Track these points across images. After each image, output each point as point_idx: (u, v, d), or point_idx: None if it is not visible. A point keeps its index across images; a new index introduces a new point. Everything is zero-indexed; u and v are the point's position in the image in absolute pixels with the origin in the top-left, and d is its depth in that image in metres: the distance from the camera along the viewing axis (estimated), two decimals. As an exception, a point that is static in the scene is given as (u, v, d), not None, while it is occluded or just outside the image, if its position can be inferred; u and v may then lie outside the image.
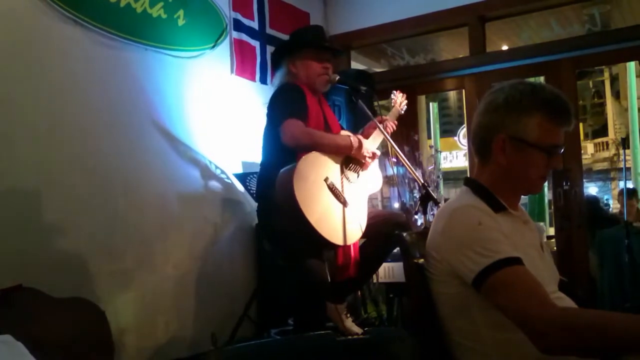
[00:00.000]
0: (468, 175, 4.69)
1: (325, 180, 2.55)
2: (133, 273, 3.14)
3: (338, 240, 2.50)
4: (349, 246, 2.61)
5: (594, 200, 5.81)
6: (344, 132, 2.76)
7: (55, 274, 2.70)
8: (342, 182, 2.63)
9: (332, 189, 2.55)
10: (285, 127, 2.53)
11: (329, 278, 2.62)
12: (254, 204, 2.95)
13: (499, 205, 1.47)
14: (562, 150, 1.47)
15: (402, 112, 3.18)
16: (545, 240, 1.65)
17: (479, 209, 1.43)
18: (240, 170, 3.89)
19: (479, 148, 1.53)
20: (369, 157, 2.72)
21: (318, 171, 2.55)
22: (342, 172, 2.67)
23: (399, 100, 3.18)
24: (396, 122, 2.97)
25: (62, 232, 2.80)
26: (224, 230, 3.75)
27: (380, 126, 2.75)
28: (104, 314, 2.51)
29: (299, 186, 2.42)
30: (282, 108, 2.60)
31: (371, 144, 2.77)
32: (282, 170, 2.51)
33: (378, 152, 2.80)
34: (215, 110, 3.81)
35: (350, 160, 2.73)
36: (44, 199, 2.75)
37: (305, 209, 2.40)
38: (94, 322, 2.46)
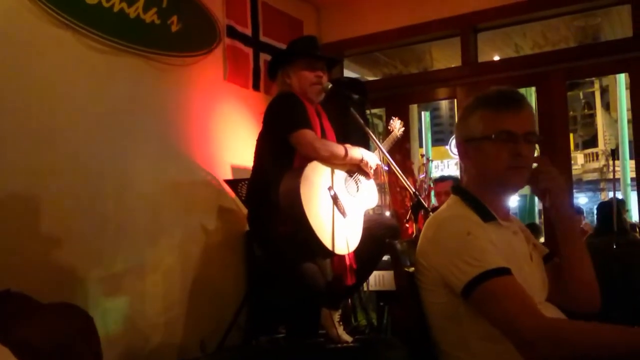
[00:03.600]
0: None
1: (329, 189, 2.58)
2: (122, 279, 3.12)
3: (335, 249, 2.52)
4: (344, 255, 2.63)
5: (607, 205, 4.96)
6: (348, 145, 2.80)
7: (44, 279, 2.68)
8: (343, 194, 2.67)
9: (334, 199, 2.57)
10: (302, 138, 2.57)
11: (324, 283, 2.63)
12: (245, 211, 2.95)
13: (488, 215, 1.48)
14: (526, 135, 1.45)
15: (399, 137, 3.30)
16: (540, 244, 1.65)
17: (468, 219, 1.44)
18: (230, 176, 3.89)
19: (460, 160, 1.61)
20: (373, 169, 2.83)
21: (323, 179, 2.60)
22: (344, 183, 2.72)
23: (397, 125, 3.25)
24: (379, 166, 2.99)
25: (52, 236, 2.78)
26: (215, 237, 3.74)
27: (374, 136, 2.78)
28: (92, 319, 2.49)
29: (304, 190, 2.46)
30: (288, 118, 2.62)
31: (375, 157, 2.84)
32: (288, 174, 2.54)
33: (382, 164, 2.87)
34: (207, 116, 3.81)
35: (353, 171, 2.78)
36: (33, 203, 2.73)
37: (308, 213, 2.43)
38: (82, 328, 2.43)
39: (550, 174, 1.52)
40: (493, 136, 1.44)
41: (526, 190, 10.27)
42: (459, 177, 4.79)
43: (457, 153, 1.62)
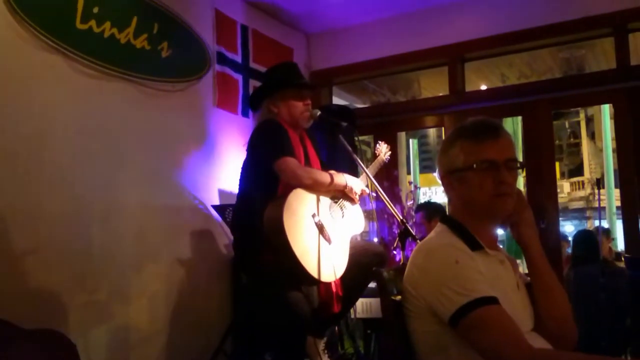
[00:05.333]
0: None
1: (313, 216, 2.58)
2: (107, 305, 3.08)
3: (320, 277, 2.50)
4: (330, 283, 2.61)
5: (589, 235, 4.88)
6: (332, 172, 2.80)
7: (26, 304, 2.64)
8: (328, 220, 2.67)
9: (319, 226, 2.57)
10: (284, 165, 2.57)
11: (309, 312, 2.61)
12: (232, 236, 2.94)
13: (475, 244, 1.48)
14: (507, 162, 1.48)
15: (387, 161, 3.32)
16: (522, 274, 1.65)
17: (457, 248, 1.45)
18: (218, 202, 3.88)
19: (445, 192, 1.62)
20: (359, 195, 2.82)
21: (307, 206, 2.59)
22: (329, 209, 2.71)
23: (383, 150, 3.27)
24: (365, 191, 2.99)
25: (34, 261, 2.74)
26: (201, 262, 3.71)
27: (361, 163, 2.80)
28: (75, 346, 2.45)
29: (288, 218, 2.45)
30: (271, 145, 2.63)
31: (360, 183, 2.83)
32: (271, 202, 2.53)
33: (367, 190, 2.86)
34: (196, 142, 3.81)
35: (338, 197, 2.78)
36: (16, 226, 2.70)
37: (292, 242, 2.42)
38: (65, 355, 2.39)
39: (518, 206, 1.54)
40: (475, 166, 1.47)
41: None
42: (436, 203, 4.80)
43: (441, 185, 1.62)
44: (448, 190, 1.57)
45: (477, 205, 1.50)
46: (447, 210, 1.68)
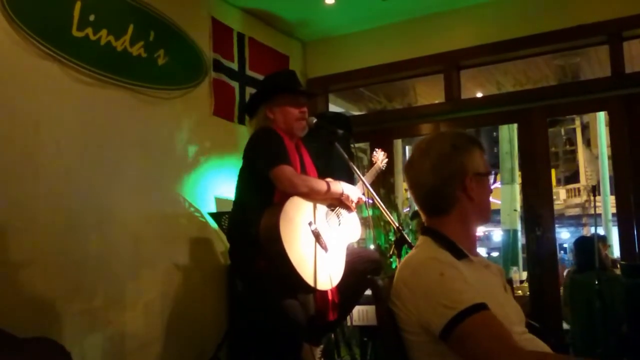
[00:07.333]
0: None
1: (310, 224, 2.58)
2: (102, 313, 3.07)
3: (316, 285, 2.50)
4: (326, 290, 2.61)
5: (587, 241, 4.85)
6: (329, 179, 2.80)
7: (21, 312, 2.63)
8: (324, 228, 2.66)
9: (315, 234, 2.57)
10: (280, 174, 2.56)
11: (305, 319, 2.60)
12: (228, 244, 2.94)
13: (461, 253, 1.49)
14: None
15: (383, 169, 3.31)
16: (508, 278, 1.70)
17: (440, 260, 1.44)
18: (214, 209, 3.88)
19: (438, 204, 1.55)
20: (355, 203, 2.81)
21: (303, 214, 2.59)
22: (325, 217, 2.71)
23: (380, 157, 3.27)
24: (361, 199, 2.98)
25: (29, 269, 2.74)
26: (196, 270, 3.70)
27: (358, 171, 2.80)
28: (69, 355, 2.44)
29: (284, 226, 2.44)
30: (267, 153, 2.63)
31: (357, 190, 2.83)
32: (268, 210, 2.53)
33: (364, 198, 2.85)
34: (192, 149, 3.82)
35: (335, 205, 2.78)
36: (11, 234, 2.69)
37: (288, 249, 2.42)
38: (59, 364, 2.39)
39: None
40: (490, 173, 1.56)
41: (509, 224, 10.35)
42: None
43: (440, 195, 1.52)
44: (465, 190, 1.51)
45: (485, 209, 1.58)
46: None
